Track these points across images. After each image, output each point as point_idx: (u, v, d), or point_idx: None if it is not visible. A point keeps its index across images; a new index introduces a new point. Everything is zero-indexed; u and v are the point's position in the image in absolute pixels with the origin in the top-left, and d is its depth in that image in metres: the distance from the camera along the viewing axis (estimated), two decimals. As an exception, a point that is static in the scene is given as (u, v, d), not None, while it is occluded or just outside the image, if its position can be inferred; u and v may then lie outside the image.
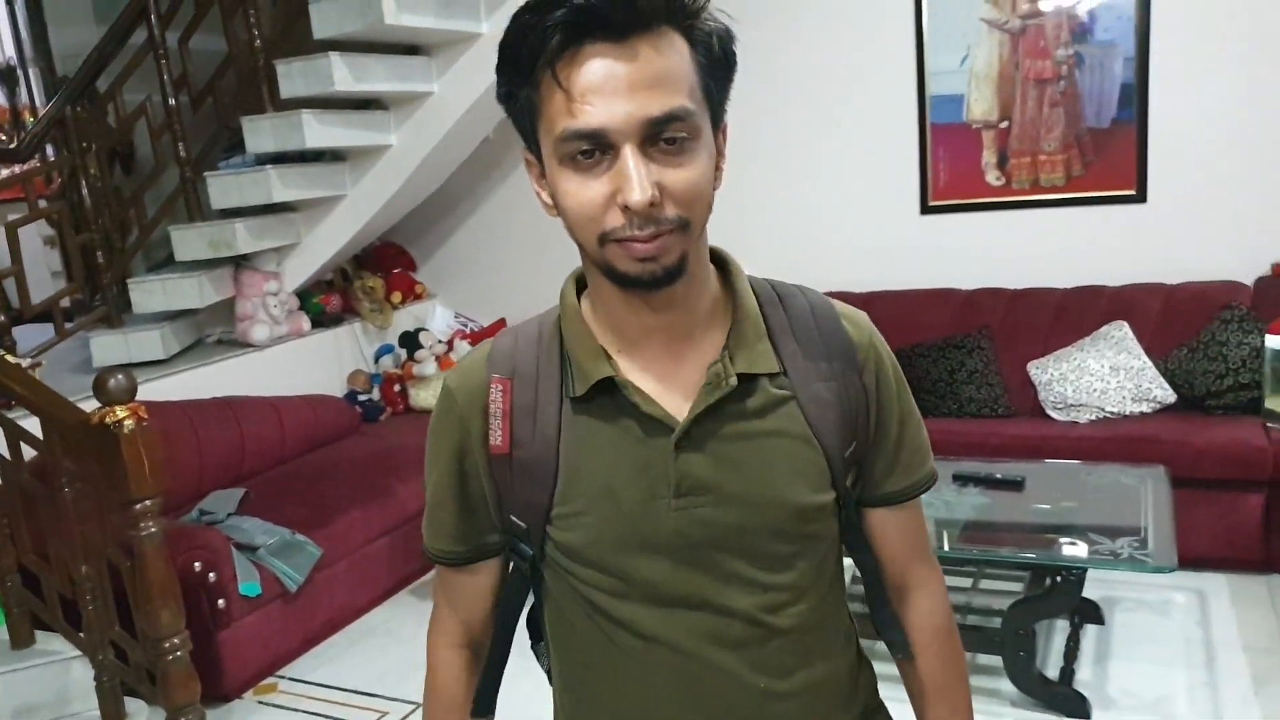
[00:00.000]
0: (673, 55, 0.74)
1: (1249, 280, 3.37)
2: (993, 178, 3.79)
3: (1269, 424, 2.95)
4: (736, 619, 0.83)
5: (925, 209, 3.88)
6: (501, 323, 4.48)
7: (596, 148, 0.73)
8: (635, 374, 0.83)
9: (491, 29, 3.65)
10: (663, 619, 0.83)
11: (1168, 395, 3.22)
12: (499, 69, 0.78)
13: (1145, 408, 3.23)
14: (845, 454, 0.86)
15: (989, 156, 3.79)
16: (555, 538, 0.84)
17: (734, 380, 0.82)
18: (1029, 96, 3.72)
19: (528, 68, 0.74)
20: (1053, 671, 2.46)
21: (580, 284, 0.88)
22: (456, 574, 0.93)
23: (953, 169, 3.84)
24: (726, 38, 0.78)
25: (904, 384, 0.91)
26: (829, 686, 0.89)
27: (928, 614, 0.95)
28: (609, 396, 0.83)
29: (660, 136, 0.73)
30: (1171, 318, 3.35)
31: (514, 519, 0.87)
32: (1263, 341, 3.02)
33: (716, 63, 0.78)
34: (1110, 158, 3.62)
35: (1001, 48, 3.72)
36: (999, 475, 2.72)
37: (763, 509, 0.82)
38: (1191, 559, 2.82)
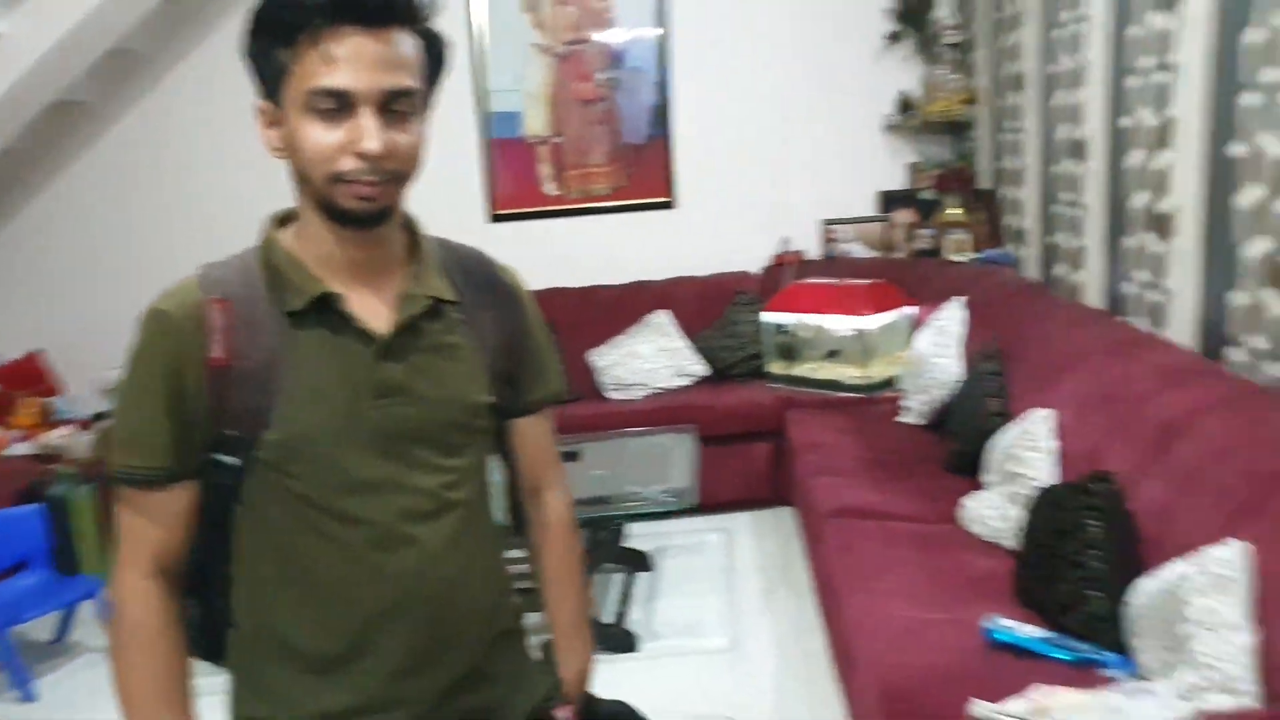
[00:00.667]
0: (409, 47, 0.95)
1: (756, 270, 4.04)
2: (550, 188, 4.15)
3: (770, 385, 3.56)
4: (423, 495, 1.02)
5: (494, 217, 4.13)
6: (33, 357, 3.96)
7: (340, 105, 0.92)
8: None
9: (9, 27, 3.25)
10: (365, 503, 1.00)
11: (701, 369, 3.75)
12: (255, 32, 0.94)
13: (685, 381, 3.73)
14: (499, 369, 1.09)
15: (546, 169, 4.13)
16: (273, 439, 0.97)
17: (426, 301, 1.03)
18: (576, 115, 4.12)
19: (289, 34, 0.91)
20: (611, 617, 2.75)
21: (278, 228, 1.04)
22: (154, 497, 1.00)
23: (515, 180, 4.14)
24: (446, 46, 1.01)
25: (542, 321, 1.18)
26: (484, 559, 1.10)
27: (556, 508, 1.22)
28: (319, 314, 0.99)
29: (391, 106, 0.93)
30: (702, 305, 3.91)
31: (226, 431, 0.97)
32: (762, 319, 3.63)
33: (435, 61, 1.00)
34: (646, 170, 4.13)
35: (551, 70, 4.08)
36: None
37: (445, 406, 1.03)
38: (721, 503, 3.33)
